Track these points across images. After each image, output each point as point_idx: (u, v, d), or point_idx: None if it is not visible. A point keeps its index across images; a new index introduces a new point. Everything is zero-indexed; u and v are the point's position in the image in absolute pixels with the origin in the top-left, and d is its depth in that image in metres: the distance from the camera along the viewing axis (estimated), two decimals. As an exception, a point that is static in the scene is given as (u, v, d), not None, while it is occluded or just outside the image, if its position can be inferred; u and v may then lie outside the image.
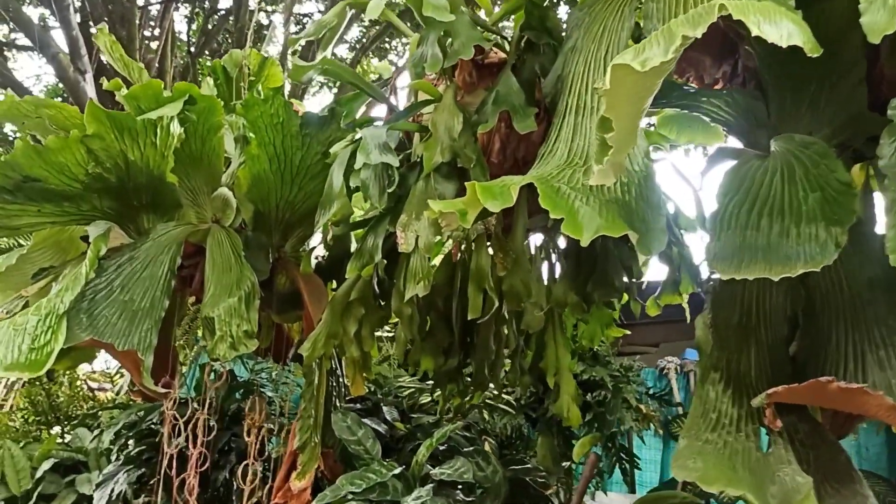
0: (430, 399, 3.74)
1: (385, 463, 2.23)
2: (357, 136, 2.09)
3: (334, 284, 2.75)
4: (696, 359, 6.26)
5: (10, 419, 6.34)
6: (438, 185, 1.90)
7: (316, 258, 2.89)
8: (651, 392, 4.65)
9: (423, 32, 1.91)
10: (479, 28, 1.87)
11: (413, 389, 3.92)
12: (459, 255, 2.21)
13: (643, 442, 4.91)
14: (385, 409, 3.51)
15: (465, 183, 1.48)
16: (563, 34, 1.97)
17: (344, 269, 2.71)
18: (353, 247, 2.72)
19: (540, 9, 2.02)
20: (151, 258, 2.41)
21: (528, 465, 2.58)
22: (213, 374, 3.05)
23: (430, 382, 4.18)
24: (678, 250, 2.13)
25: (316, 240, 2.93)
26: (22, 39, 11.26)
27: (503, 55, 2.18)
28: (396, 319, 2.37)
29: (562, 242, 2.20)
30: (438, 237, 1.84)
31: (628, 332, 2.44)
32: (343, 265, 2.70)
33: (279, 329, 3.24)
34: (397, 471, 2.17)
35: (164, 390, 2.35)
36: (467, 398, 2.56)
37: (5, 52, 11.18)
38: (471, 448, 2.58)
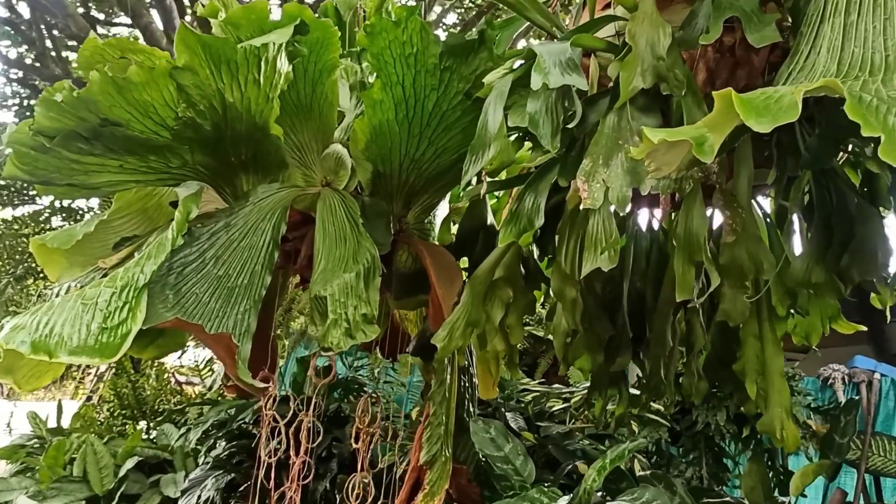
0: (561, 405, 3.27)
1: (546, 490, 1.78)
2: (518, 63, 1.64)
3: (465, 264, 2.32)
4: (866, 367, 5.54)
5: (95, 412, 6.21)
6: (635, 119, 1.44)
7: (441, 232, 2.48)
8: (815, 405, 4.05)
9: None
10: None
11: (538, 393, 3.45)
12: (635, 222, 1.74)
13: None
14: (509, 415, 3.06)
15: (716, 94, 1.02)
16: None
17: (476, 245, 2.29)
18: (490, 218, 2.29)
19: None
20: (251, 226, 2.04)
21: (728, 499, 2.09)
22: (318, 367, 2.67)
23: (557, 386, 3.72)
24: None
25: (443, 210, 2.51)
26: (118, 17, 11.37)
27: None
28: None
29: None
30: (639, 186, 1.37)
31: (863, 328, 1.91)
32: (476, 239, 2.27)
33: (390, 319, 2.84)
34: (564, 501, 1.72)
35: (262, 385, 1.97)
36: (632, 407, 2.09)
37: (100, 30, 11.31)
38: (646, 472, 2.11)
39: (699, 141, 1.05)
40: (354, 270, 1.91)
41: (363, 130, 2.12)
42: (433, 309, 2.15)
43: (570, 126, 1.44)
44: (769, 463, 3.58)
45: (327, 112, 2.24)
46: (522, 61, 1.65)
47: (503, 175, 1.89)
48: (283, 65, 1.92)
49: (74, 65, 10.01)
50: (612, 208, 1.47)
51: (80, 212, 10.71)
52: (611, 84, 1.61)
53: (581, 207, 1.40)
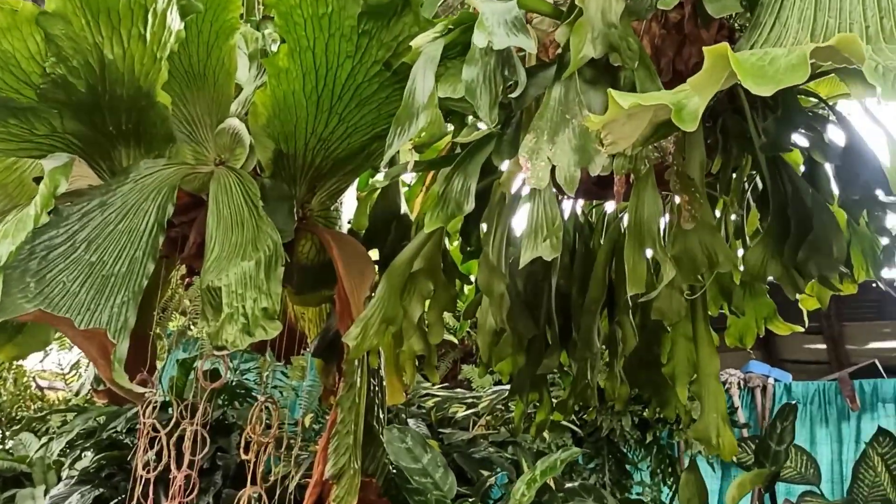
0: (465, 410, 3.13)
1: (469, 506, 1.62)
2: (449, 27, 1.48)
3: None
4: (762, 372, 5.70)
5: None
6: (584, 92, 1.31)
7: (349, 221, 2.28)
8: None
9: None
10: None
11: (441, 398, 3.30)
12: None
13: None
14: (411, 422, 2.89)
15: (707, 49, 0.90)
16: None
17: (389, 235, 2.12)
18: (403, 206, 2.12)
19: None
20: (132, 206, 1.79)
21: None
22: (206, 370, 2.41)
23: (460, 391, 3.58)
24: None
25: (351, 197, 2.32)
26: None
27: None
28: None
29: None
30: (588, 165, 1.24)
31: (801, 329, 1.86)
32: (389, 229, 2.10)
33: (285, 317, 2.61)
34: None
35: (141, 389, 1.72)
36: (559, 412, 1.97)
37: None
38: (574, 484, 1.98)
39: (679, 106, 0.92)
40: (254, 258, 1.69)
41: (265, 104, 1.90)
42: (340, 305, 1.96)
43: (513, 96, 1.29)
44: (670, 469, 3.57)
45: (223, 81, 2.01)
46: (453, 26, 1.50)
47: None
48: (175, 21, 1.68)
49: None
50: (554, 191, 1.33)
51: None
52: (550, 55, 1.48)
53: (526, 187, 1.25)
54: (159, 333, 4.02)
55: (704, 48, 0.85)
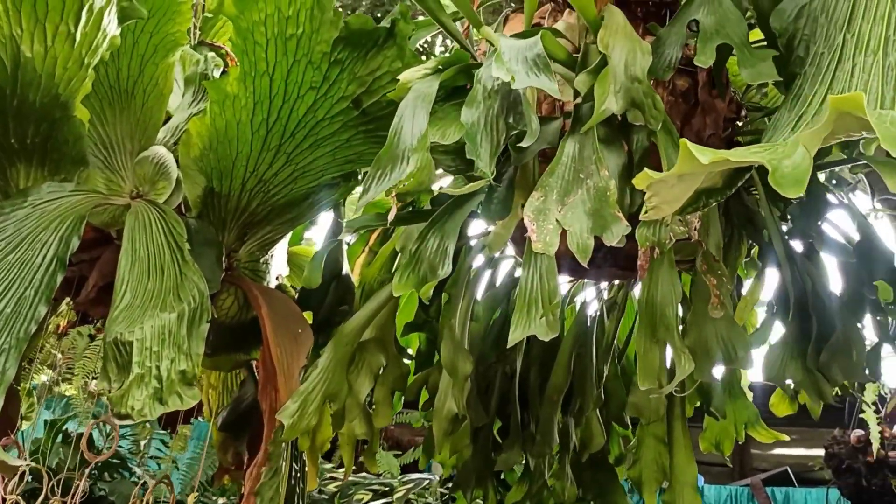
0: (371, 498, 2.86)
1: None
2: (440, 66, 1.33)
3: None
4: None
5: None
6: (599, 151, 1.17)
7: (278, 278, 2.05)
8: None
9: None
10: None
11: (342, 483, 3.02)
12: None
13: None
14: (313, 511, 2.61)
15: (834, 98, 0.79)
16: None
17: (326, 297, 1.90)
18: (345, 265, 1.92)
19: None
20: (27, 235, 1.52)
21: None
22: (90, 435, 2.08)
23: (366, 476, 3.29)
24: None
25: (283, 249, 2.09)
26: None
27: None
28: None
29: (772, 283, 1.47)
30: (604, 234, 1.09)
31: (786, 438, 1.74)
32: (327, 290, 1.89)
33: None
34: None
35: (15, 462, 1.41)
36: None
37: None
38: None
39: (777, 166, 0.78)
40: (176, 310, 1.45)
41: (201, 133, 1.68)
42: (264, 373, 1.71)
43: (523, 146, 1.13)
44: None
45: (154, 103, 1.78)
46: (444, 66, 1.34)
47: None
48: (111, 24, 1.47)
49: None
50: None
51: None
52: (542, 111, 1.35)
53: (533, 251, 1.08)
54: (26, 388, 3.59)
55: (830, 97, 0.72)
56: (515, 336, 1.17)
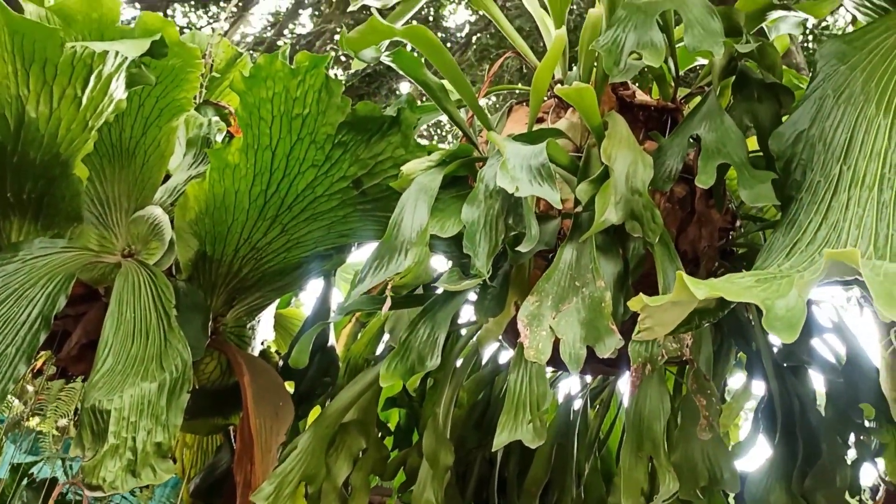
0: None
1: None
2: (445, 158, 1.33)
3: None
4: None
5: None
6: (596, 259, 1.17)
7: (263, 343, 2.02)
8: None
9: (623, 9, 1.22)
10: (719, 21, 1.20)
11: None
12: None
13: None
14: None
15: (829, 252, 0.79)
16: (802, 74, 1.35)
17: (309, 369, 1.87)
18: (331, 337, 1.89)
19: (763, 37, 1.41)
20: (14, 291, 1.49)
21: None
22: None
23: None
24: None
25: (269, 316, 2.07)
26: None
27: (649, 98, 1.53)
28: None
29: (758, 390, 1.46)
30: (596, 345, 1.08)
31: None
32: (310, 361, 1.85)
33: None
34: None
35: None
36: None
37: None
38: None
39: (768, 307, 0.77)
40: (157, 380, 1.41)
41: (198, 197, 1.67)
42: (241, 444, 1.67)
43: (520, 249, 1.12)
44: None
45: (153, 164, 1.77)
46: (449, 158, 1.34)
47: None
48: (119, 89, 1.46)
49: None
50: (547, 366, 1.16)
51: None
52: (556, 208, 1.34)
53: (525, 358, 1.07)
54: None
55: (826, 251, 0.72)
56: (501, 440, 1.16)
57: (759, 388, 1.51)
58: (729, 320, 1.42)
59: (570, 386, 1.91)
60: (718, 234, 1.42)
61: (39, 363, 2.66)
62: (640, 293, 0.94)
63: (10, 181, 1.50)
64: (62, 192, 1.59)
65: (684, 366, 1.19)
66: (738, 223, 1.49)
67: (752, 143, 1.47)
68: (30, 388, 4.68)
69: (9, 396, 4.94)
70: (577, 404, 1.81)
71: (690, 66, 1.77)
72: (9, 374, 1.41)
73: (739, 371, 1.74)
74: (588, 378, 1.90)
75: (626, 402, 1.44)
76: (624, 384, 1.81)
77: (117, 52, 1.34)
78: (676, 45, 1.49)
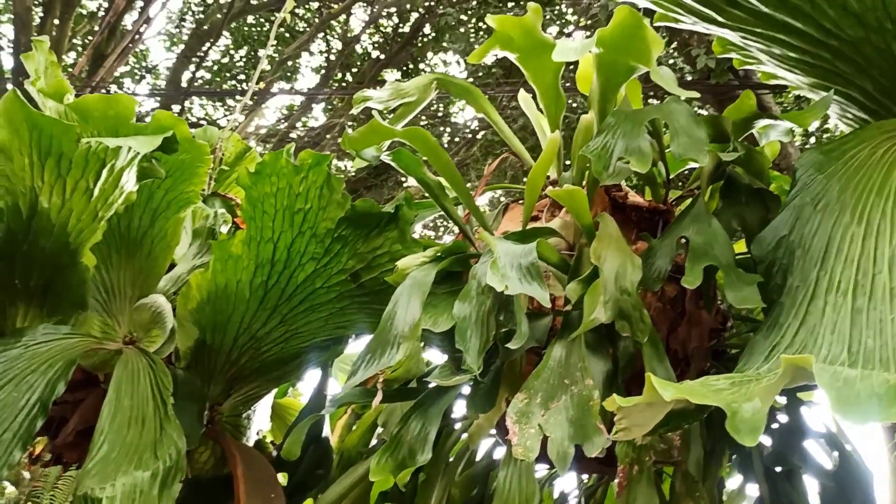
0: None
1: None
2: (439, 254, 1.36)
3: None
4: None
5: None
6: (585, 359, 1.18)
7: (259, 433, 2.01)
8: None
9: (612, 117, 1.27)
10: (704, 129, 1.25)
11: None
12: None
13: None
14: None
15: (786, 357, 0.80)
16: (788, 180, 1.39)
17: (303, 460, 1.85)
18: (326, 429, 1.88)
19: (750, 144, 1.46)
20: (15, 376, 1.50)
21: None
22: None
23: None
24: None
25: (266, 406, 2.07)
26: None
27: (641, 200, 1.57)
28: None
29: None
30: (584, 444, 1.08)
31: None
32: (304, 452, 1.84)
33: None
34: None
35: None
36: None
37: None
38: None
39: (734, 411, 0.79)
40: (151, 469, 1.41)
41: (201, 287, 1.70)
42: (232, 536, 1.65)
43: (510, 346, 1.14)
44: None
45: (159, 254, 1.81)
46: (443, 254, 1.38)
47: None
48: (129, 182, 1.51)
49: None
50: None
51: None
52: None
53: (513, 455, 1.07)
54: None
55: (784, 356, 0.74)
56: (490, 538, 1.14)
57: (754, 490, 1.49)
58: (719, 421, 1.41)
59: (565, 484, 1.88)
60: (709, 334, 1.43)
61: (38, 449, 2.65)
62: (632, 392, 0.96)
63: (19, 269, 1.54)
64: (69, 280, 1.62)
65: (676, 467, 1.19)
66: (728, 323, 1.51)
67: (741, 246, 1.51)
68: (26, 474, 4.62)
69: (4, 483, 4.86)
70: (572, 503, 1.79)
71: (682, 169, 1.83)
72: (4, 460, 1.41)
73: (738, 472, 1.72)
74: (584, 476, 1.88)
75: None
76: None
77: (130, 148, 1.39)
78: (667, 150, 1.54)
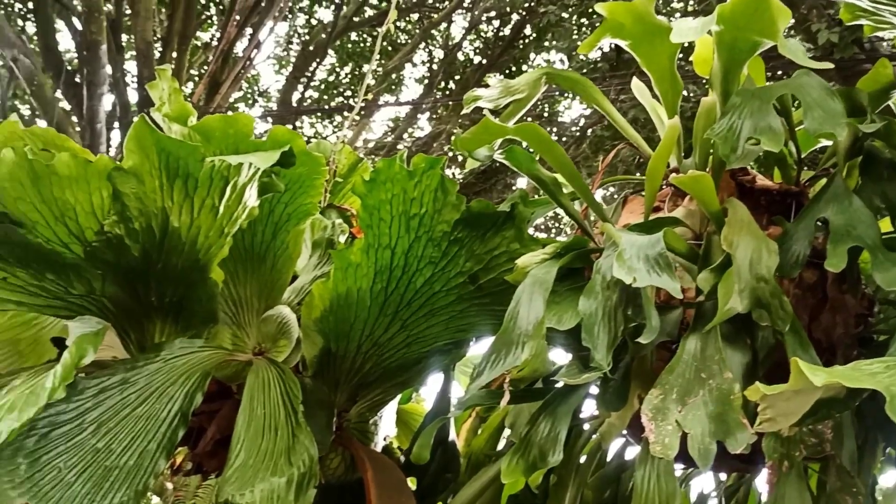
0: None
1: None
2: (559, 250, 1.33)
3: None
4: None
5: None
6: (721, 350, 1.12)
7: (386, 438, 2.03)
8: None
9: (737, 96, 1.22)
10: (839, 102, 1.17)
11: None
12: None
13: None
14: None
15: None
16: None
17: (431, 465, 1.86)
18: (452, 432, 1.88)
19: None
20: (156, 389, 1.57)
21: None
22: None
23: None
24: None
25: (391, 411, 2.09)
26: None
27: (771, 183, 1.49)
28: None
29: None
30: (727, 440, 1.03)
31: None
32: (432, 457, 1.84)
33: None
34: None
35: None
36: None
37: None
38: None
39: (893, 394, 0.73)
40: (286, 475, 1.45)
41: (323, 296, 1.73)
42: (366, 540, 1.67)
43: (641, 341, 1.10)
44: None
45: (282, 266, 1.86)
46: (564, 250, 1.35)
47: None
48: (252, 197, 1.56)
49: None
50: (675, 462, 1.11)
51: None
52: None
53: (651, 454, 1.03)
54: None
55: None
56: (629, 541, 1.10)
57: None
58: (873, 411, 1.32)
59: (703, 484, 1.80)
60: (855, 320, 1.34)
61: (178, 459, 2.78)
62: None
63: (154, 286, 1.61)
64: (200, 295, 1.69)
65: (827, 462, 1.11)
66: (875, 308, 1.41)
67: (886, 224, 1.40)
68: (169, 485, 4.87)
69: (149, 494, 5.14)
70: None
71: (813, 148, 1.72)
72: (150, 469, 1.48)
73: (892, 468, 1.60)
74: (722, 476, 1.80)
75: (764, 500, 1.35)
76: (761, 482, 1.70)
77: (251, 164, 1.44)
78: (797, 128, 1.46)
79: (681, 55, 1.64)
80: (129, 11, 9.60)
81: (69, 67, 8.94)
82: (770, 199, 1.45)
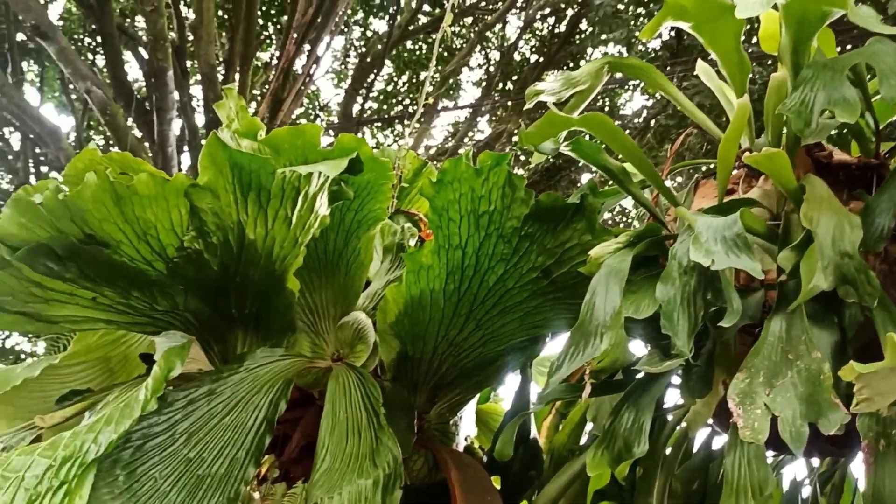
0: None
1: None
2: (632, 238, 1.32)
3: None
4: None
5: None
6: (808, 329, 1.09)
7: (466, 439, 2.04)
8: None
9: (808, 69, 1.19)
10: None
11: None
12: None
13: None
14: None
15: None
16: None
17: (514, 463, 1.86)
18: (533, 430, 1.88)
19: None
20: (241, 398, 1.61)
21: None
22: None
23: None
24: None
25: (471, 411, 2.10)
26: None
27: (849, 157, 1.44)
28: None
29: None
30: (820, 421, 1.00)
31: None
32: (514, 455, 1.84)
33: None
34: None
35: None
36: None
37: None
38: None
39: None
40: (372, 476, 1.47)
41: (397, 300, 1.75)
42: (454, 539, 1.68)
43: (723, 325, 1.08)
44: None
45: (355, 272, 1.89)
46: (636, 238, 1.33)
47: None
48: (323, 206, 1.59)
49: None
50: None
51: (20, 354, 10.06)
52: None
53: (741, 439, 1.01)
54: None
55: None
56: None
57: None
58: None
59: (795, 471, 1.76)
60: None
61: (263, 469, 2.84)
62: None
63: (234, 298, 1.66)
64: (277, 306, 1.73)
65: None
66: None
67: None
68: (255, 494, 4.98)
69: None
70: (806, 492, 1.66)
71: (892, 120, 1.67)
72: (240, 477, 1.52)
73: None
74: (815, 462, 1.75)
75: (861, 486, 1.31)
76: (857, 467, 1.65)
77: (320, 173, 1.47)
78: (873, 99, 1.41)
79: (742, 38, 1.61)
80: (191, 37, 9.91)
81: (138, 96, 9.27)
82: (849, 174, 1.41)
